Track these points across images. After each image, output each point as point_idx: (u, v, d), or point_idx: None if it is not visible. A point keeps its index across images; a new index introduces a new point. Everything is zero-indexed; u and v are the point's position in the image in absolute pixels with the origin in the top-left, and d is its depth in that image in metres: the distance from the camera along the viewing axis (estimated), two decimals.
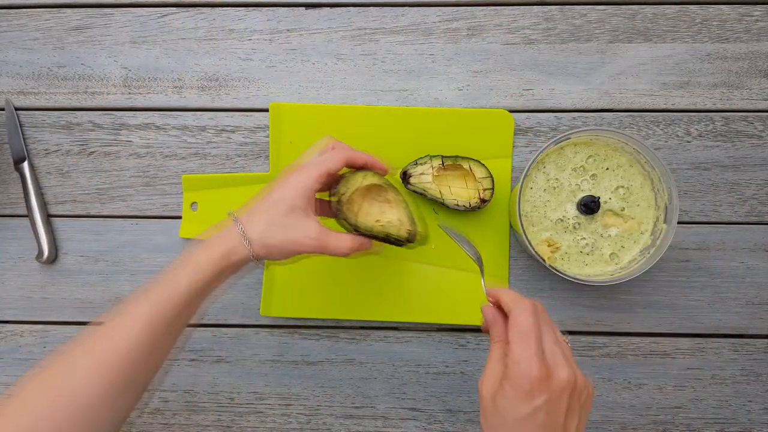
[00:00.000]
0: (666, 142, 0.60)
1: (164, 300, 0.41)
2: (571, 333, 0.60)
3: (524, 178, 0.53)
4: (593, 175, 0.56)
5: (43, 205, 0.62)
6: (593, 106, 0.61)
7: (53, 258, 0.62)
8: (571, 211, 0.56)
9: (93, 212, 0.62)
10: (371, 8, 0.62)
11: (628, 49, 0.61)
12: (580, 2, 0.61)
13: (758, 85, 0.60)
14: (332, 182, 0.48)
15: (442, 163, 0.57)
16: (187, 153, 0.62)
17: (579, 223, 0.56)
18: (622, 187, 0.56)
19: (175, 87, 0.62)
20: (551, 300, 0.60)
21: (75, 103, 0.63)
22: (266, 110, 0.62)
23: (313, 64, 0.62)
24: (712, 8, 0.61)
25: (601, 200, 0.55)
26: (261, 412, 0.61)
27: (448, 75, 0.61)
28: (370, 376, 0.61)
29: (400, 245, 0.49)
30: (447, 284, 0.60)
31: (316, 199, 0.48)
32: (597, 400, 0.59)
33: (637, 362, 0.60)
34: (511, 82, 0.61)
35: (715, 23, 0.60)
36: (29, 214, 0.61)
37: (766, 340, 0.59)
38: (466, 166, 0.57)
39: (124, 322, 0.40)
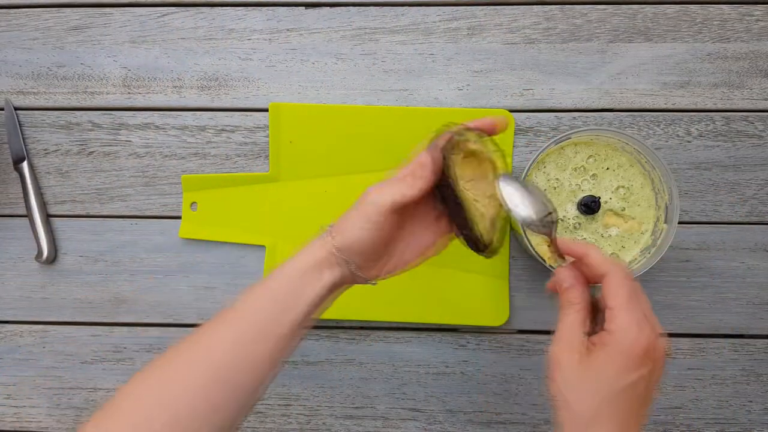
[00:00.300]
0: (666, 141, 0.60)
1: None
2: None
3: (524, 178, 0.53)
4: (593, 175, 0.56)
5: (43, 205, 0.62)
6: (593, 106, 0.61)
7: (53, 258, 0.62)
8: (572, 211, 0.56)
9: (92, 212, 0.62)
10: (371, 8, 0.62)
11: (628, 48, 0.61)
12: (580, 2, 0.61)
13: (759, 84, 0.60)
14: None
15: None
16: (186, 153, 0.62)
17: (579, 223, 0.56)
18: (623, 187, 0.56)
19: (175, 87, 0.62)
20: (552, 301, 0.60)
21: (74, 103, 0.63)
22: (266, 110, 0.62)
23: (313, 63, 0.62)
24: (712, 8, 0.60)
25: (601, 200, 0.55)
26: (261, 413, 0.61)
27: (448, 75, 0.61)
28: (370, 376, 0.61)
29: (472, 247, 0.42)
30: (447, 284, 0.60)
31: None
32: None
33: None
34: (511, 81, 0.61)
35: (715, 23, 0.60)
36: (28, 214, 0.61)
37: (766, 340, 0.59)
38: None
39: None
